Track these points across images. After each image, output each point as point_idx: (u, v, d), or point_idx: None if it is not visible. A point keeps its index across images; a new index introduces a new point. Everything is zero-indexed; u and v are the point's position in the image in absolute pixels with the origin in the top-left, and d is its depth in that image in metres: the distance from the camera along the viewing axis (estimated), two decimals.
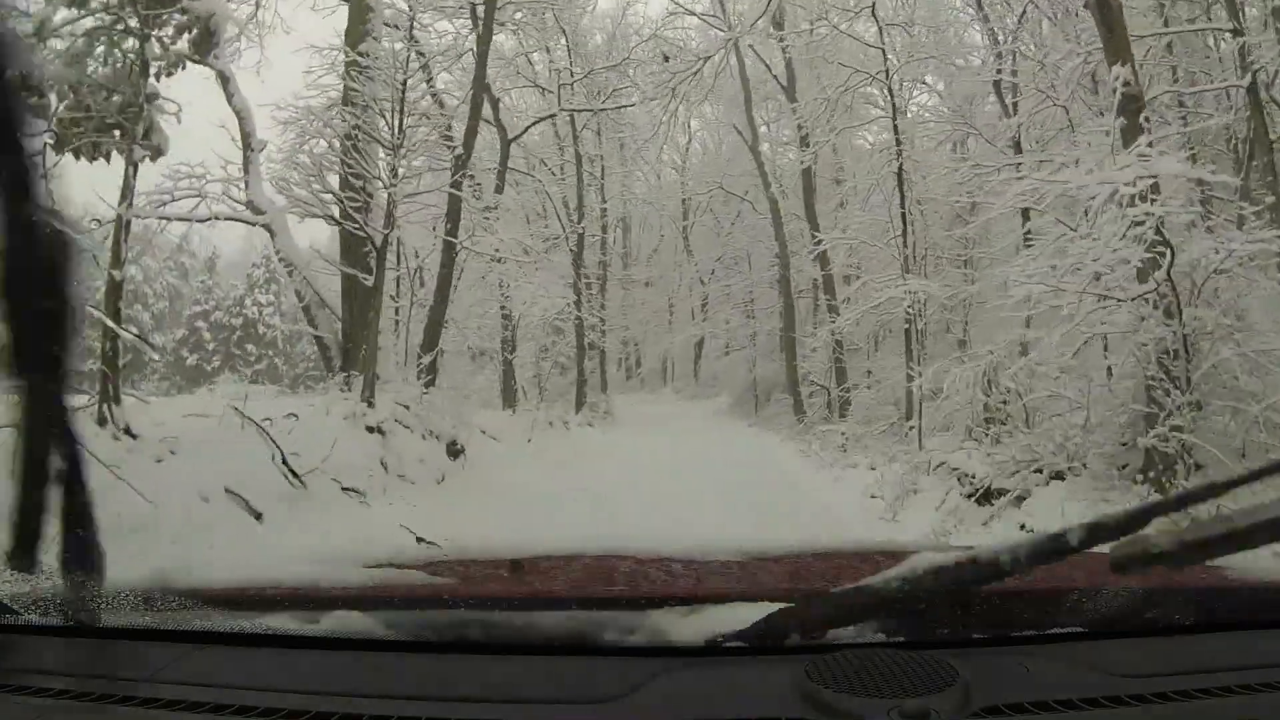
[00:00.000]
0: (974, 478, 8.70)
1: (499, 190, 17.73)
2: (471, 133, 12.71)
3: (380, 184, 9.40)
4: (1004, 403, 9.71)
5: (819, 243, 20.10)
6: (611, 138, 29.29)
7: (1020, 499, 7.85)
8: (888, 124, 20.41)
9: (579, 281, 23.44)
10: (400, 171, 9.42)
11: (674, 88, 20.95)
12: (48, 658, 1.19)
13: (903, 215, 14.76)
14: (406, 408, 9.73)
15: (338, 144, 9.65)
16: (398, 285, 13.51)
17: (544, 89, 22.24)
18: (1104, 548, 1.04)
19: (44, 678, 1.11)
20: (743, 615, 1.10)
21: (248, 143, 11.10)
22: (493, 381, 21.22)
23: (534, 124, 21.04)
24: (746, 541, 1.68)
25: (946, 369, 11.07)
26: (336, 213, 9.68)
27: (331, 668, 1.12)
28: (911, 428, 13.49)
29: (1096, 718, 0.99)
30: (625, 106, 23.67)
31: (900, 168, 14.98)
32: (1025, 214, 17.20)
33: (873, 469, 12.94)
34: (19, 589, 1.26)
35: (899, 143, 15.37)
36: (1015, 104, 17.57)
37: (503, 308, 17.23)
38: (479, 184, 17.46)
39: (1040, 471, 7.95)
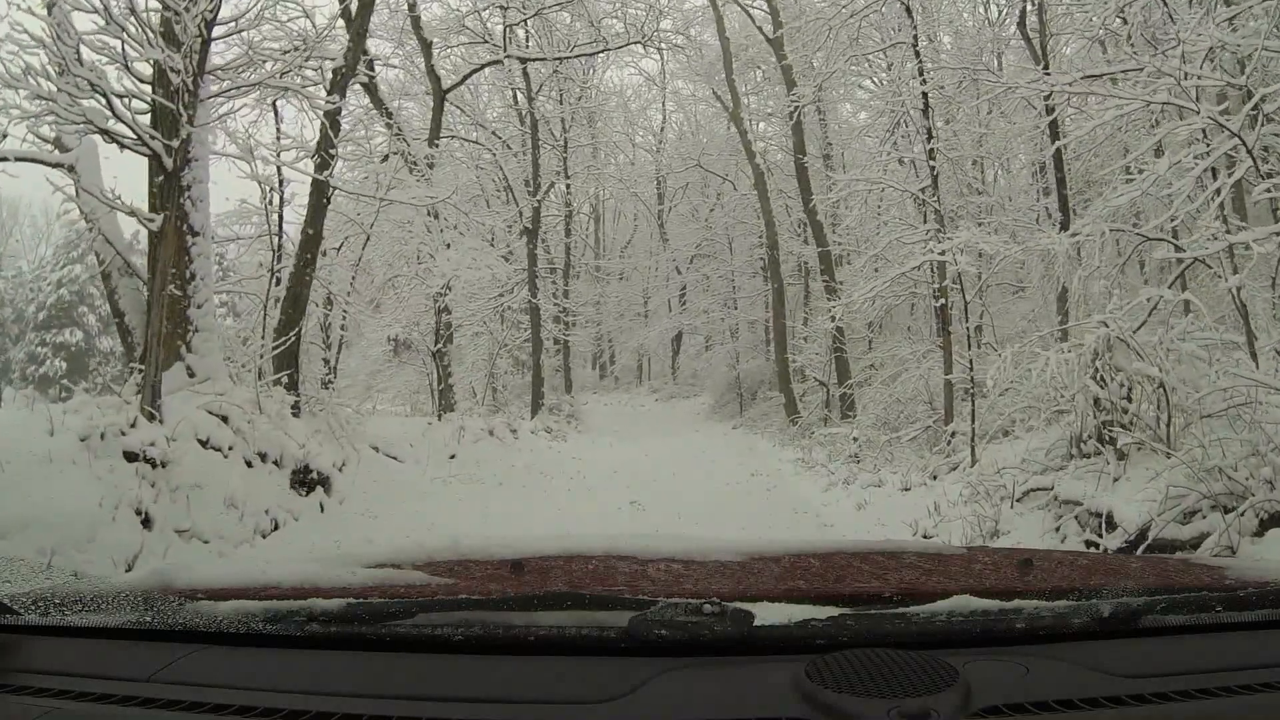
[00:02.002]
0: (1111, 517, 5.47)
1: (432, 144, 14.37)
2: (359, 35, 9.26)
3: (178, 73, 5.99)
4: (1126, 399, 6.47)
5: (809, 205, 16.95)
6: (579, 109, 26.23)
7: (1192, 556, 4.63)
8: (886, 78, 17.88)
9: (533, 265, 20.10)
10: (190, 53, 5.96)
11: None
12: (48, 658, 1.17)
13: (930, 152, 11.47)
14: (224, 419, 6.33)
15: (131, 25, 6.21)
16: (275, 253, 10.03)
17: (489, 40, 18.86)
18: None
19: (44, 678, 1.11)
20: (743, 615, 1.08)
21: (53, 54, 7.73)
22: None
23: (475, 71, 17.72)
24: (746, 542, 1.74)
25: (1027, 352, 7.87)
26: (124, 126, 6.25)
27: (331, 668, 1.11)
28: (956, 434, 10.26)
29: (1096, 718, 0.98)
30: (586, 55, 20.43)
31: (926, 98, 11.73)
32: (1059, 173, 14.37)
33: (906, 489, 9.74)
34: (19, 589, 1.36)
35: (921, 71, 12.13)
36: (1043, 47, 14.66)
37: (437, 289, 13.73)
38: (402, 134, 14.07)
39: (1244, 514, 4.72)
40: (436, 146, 14.75)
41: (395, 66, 19.95)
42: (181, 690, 1.07)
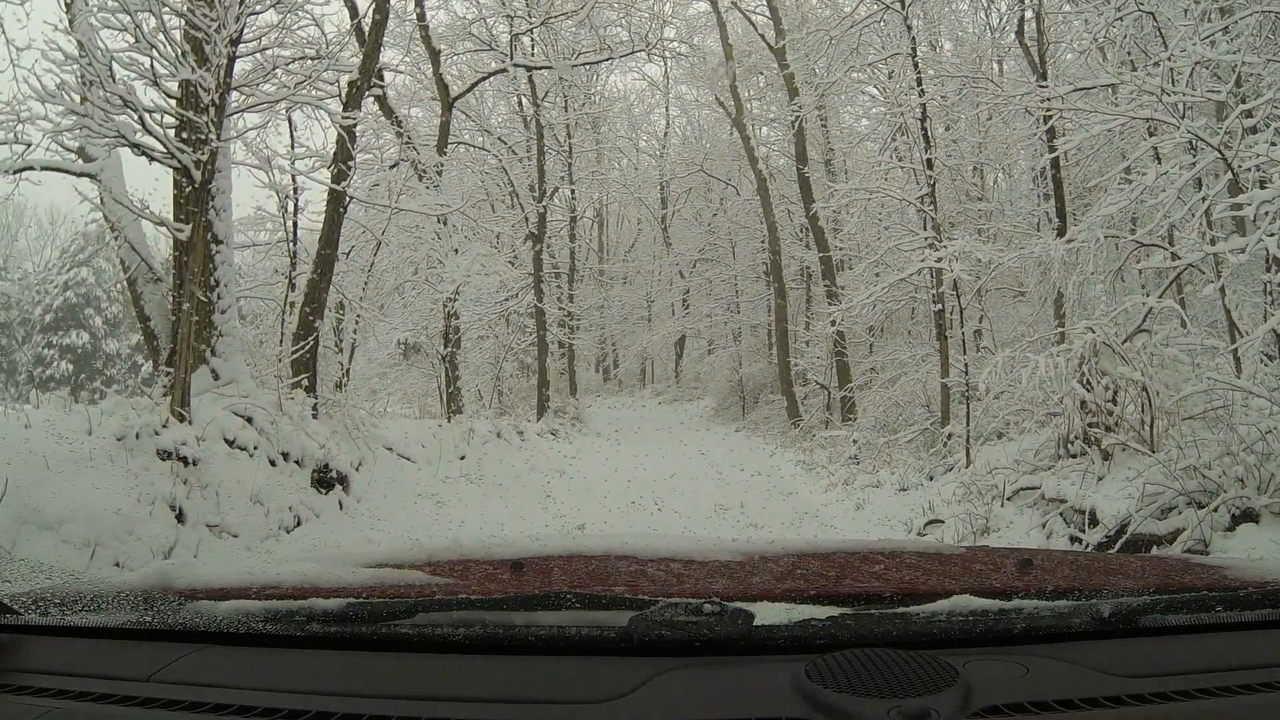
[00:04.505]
0: (1094, 514, 5.74)
1: (440, 151, 14.65)
2: (373, 49, 9.57)
3: (206, 90, 6.29)
4: (1112, 401, 6.75)
5: (811, 212, 17.24)
6: (583, 115, 26.50)
7: (1192, 555, 4.90)
8: (887, 84, 18.13)
9: (539, 269, 20.38)
10: (221, 65, 6.26)
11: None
12: (48, 658, 1.18)
13: (928, 161, 11.74)
14: (248, 420, 6.63)
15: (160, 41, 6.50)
16: (291, 261, 10.36)
17: (495, 48, 19.14)
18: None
19: (44, 678, 1.11)
20: (743, 615, 1.08)
21: (87, 72, 8.02)
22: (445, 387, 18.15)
23: (482, 79, 17.98)
24: (746, 542, 1.74)
25: (1018, 357, 8.14)
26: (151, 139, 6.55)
27: (331, 668, 1.11)
28: (952, 436, 10.53)
29: (1096, 718, 0.98)
30: (591, 64, 20.72)
31: (924, 109, 12.00)
32: (1056, 179, 14.62)
33: (903, 490, 10.01)
34: (19, 589, 1.36)
35: (920, 82, 12.41)
36: (1041, 56, 14.90)
37: (447, 294, 14.01)
38: (411, 143, 14.38)
39: (1216, 510, 5.00)
40: (444, 154, 15.03)
41: (402, 72, 20.31)
42: (181, 690, 1.07)
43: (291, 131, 10.69)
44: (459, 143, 20.17)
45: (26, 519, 4.35)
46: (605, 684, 1.02)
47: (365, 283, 11.99)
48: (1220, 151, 6.29)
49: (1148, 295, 9.11)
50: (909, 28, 12.86)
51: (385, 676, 1.08)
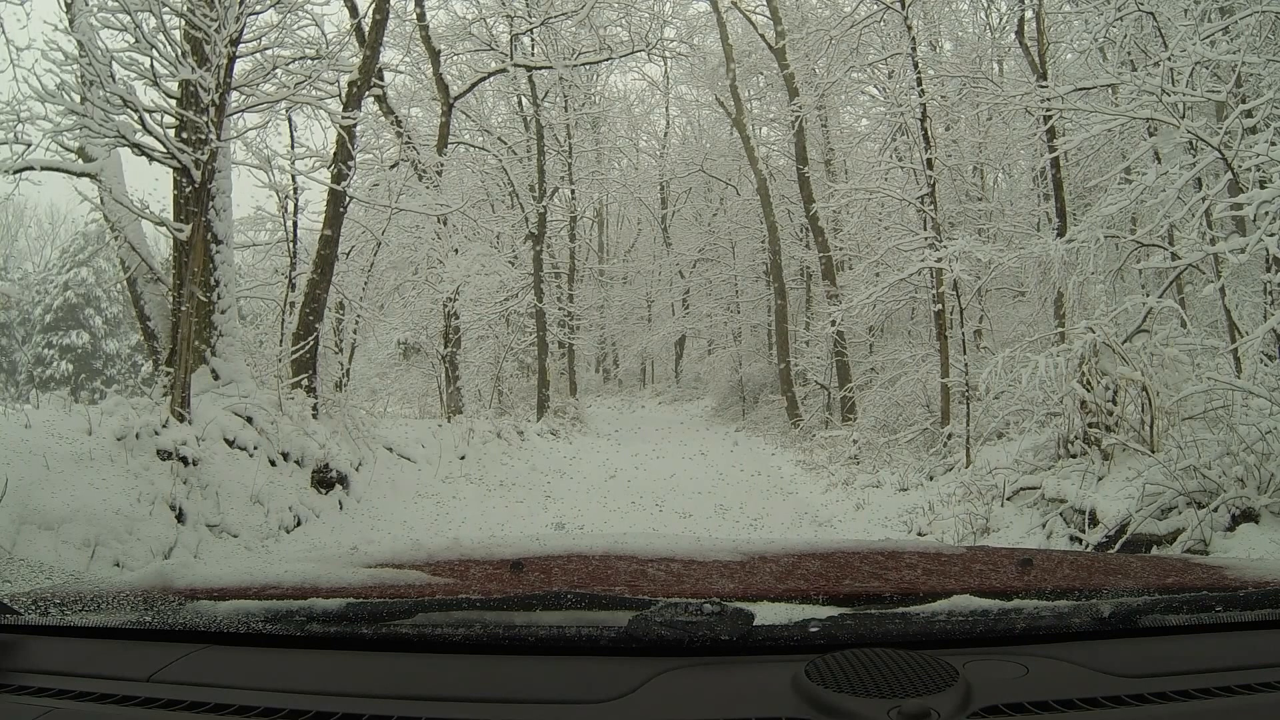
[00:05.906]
0: (1094, 514, 5.74)
1: (440, 151, 14.66)
2: (373, 49, 9.56)
3: (206, 90, 6.29)
4: (1112, 401, 6.74)
5: (811, 212, 17.25)
6: (583, 115, 26.49)
7: (1192, 555, 4.90)
8: (888, 85, 18.14)
9: (539, 269, 20.38)
10: (222, 62, 6.27)
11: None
12: (48, 658, 1.17)
13: (928, 161, 11.75)
14: (248, 420, 6.62)
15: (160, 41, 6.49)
16: (291, 260, 10.36)
17: (495, 48, 19.13)
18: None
19: (44, 678, 1.11)
20: (743, 615, 1.08)
21: (87, 72, 8.02)
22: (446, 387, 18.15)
23: (482, 80, 17.99)
24: (746, 542, 1.72)
25: (1018, 357, 8.14)
26: (152, 139, 6.55)
27: (331, 668, 1.11)
28: (952, 436, 10.53)
29: (1096, 718, 0.97)
30: (591, 64, 20.73)
31: (924, 109, 12.00)
32: (1056, 179, 14.63)
33: (904, 490, 10.01)
34: (19, 589, 1.40)
35: (920, 82, 12.40)
36: (1041, 56, 14.89)
37: (447, 294, 14.00)
38: (411, 143, 14.38)
39: (1216, 510, 4.99)
40: (444, 154, 15.04)
41: (402, 72, 20.32)
42: (181, 690, 1.07)
43: (291, 131, 10.71)
44: (459, 143, 20.19)
45: (26, 519, 4.35)
46: (605, 684, 1.02)
47: (365, 283, 12.01)
48: (1220, 151, 6.29)
49: (1148, 295, 9.12)
50: (909, 28, 12.86)
51: (385, 676, 1.07)
